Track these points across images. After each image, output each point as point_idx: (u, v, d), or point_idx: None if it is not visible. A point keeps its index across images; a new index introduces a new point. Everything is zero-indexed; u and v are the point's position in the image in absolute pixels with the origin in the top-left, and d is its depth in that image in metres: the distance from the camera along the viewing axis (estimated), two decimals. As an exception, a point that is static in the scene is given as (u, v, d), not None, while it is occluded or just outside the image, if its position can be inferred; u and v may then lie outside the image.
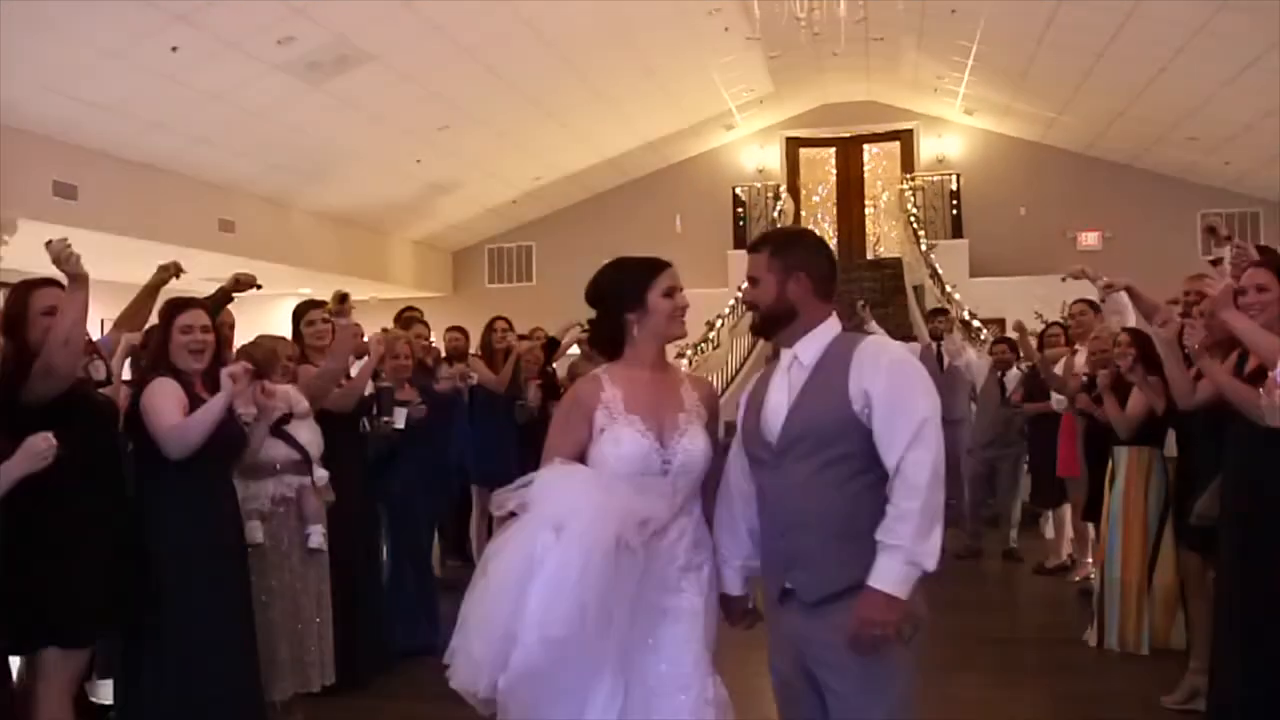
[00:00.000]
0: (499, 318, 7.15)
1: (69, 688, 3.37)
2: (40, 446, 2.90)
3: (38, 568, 3.16)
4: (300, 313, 4.99)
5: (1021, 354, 7.83)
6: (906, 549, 2.33)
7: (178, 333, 3.67)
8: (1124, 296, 5.61)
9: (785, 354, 2.62)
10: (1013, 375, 7.96)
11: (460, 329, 7.26)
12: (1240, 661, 3.75)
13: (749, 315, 11.36)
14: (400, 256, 15.29)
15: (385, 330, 5.56)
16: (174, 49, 8.29)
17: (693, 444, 2.64)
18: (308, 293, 13.47)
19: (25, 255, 6.33)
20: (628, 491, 2.56)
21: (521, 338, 7.24)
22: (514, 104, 11.71)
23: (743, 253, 11.09)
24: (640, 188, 15.87)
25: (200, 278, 8.80)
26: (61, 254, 3.19)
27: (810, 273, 2.56)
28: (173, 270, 4.56)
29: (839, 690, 2.45)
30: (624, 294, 2.71)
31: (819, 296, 2.57)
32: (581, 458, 2.66)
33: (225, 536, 3.73)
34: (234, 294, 4.78)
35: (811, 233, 3.17)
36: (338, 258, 13.28)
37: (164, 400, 3.55)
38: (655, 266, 2.74)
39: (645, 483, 2.59)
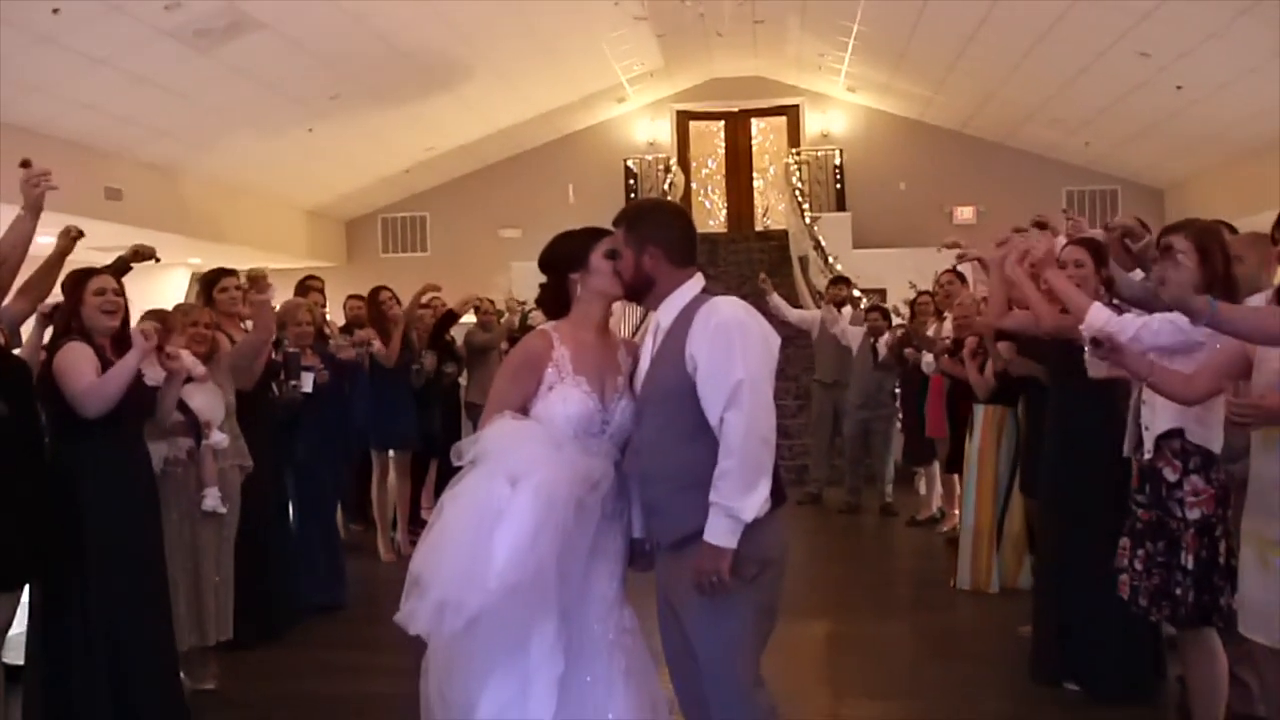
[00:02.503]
0: (382, 288, 7.28)
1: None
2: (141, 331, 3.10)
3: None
4: (213, 280, 5.08)
5: (895, 326, 8.35)
6: (725, 505, 2.55)
7: (91, 295, 3.81)
8: None
9: (652, 318, 2.84)
10: (885, 341, 8.47)
11: (361, 297, 7.38)
12: (1058, 595, 4.24)
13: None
14: (293, 226, 15.12)
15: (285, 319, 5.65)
16: (55, 10, 8.10)
17: (629, 406, 2.83)
18: (197, 262, 13.29)
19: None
20: (575, 449, 2.74)
21: (423, 306, 7.41)
22: (405, 74, 11.71)
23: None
24: (533, 159, 15.99)
25: (86, 246, 8.64)
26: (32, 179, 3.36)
27: (662, 245, 2.74)
28: (74, 235, 4.61)
29: (688, 622, 2.71)
30: (570, 257, 2.89)
31: (674, 264, 2.76)
32: (524, 410, 2.80)
33: (139, 493, 3.88)
34: (133, 264, 4.85)
35: (665, 204, 3.39)
36: (229, 227, 13.08)
37: (77, 362, 3.68)
38: (599, 232, 2.91)
39: (588, 443, 2.78)
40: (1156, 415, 3.27)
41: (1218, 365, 2.95)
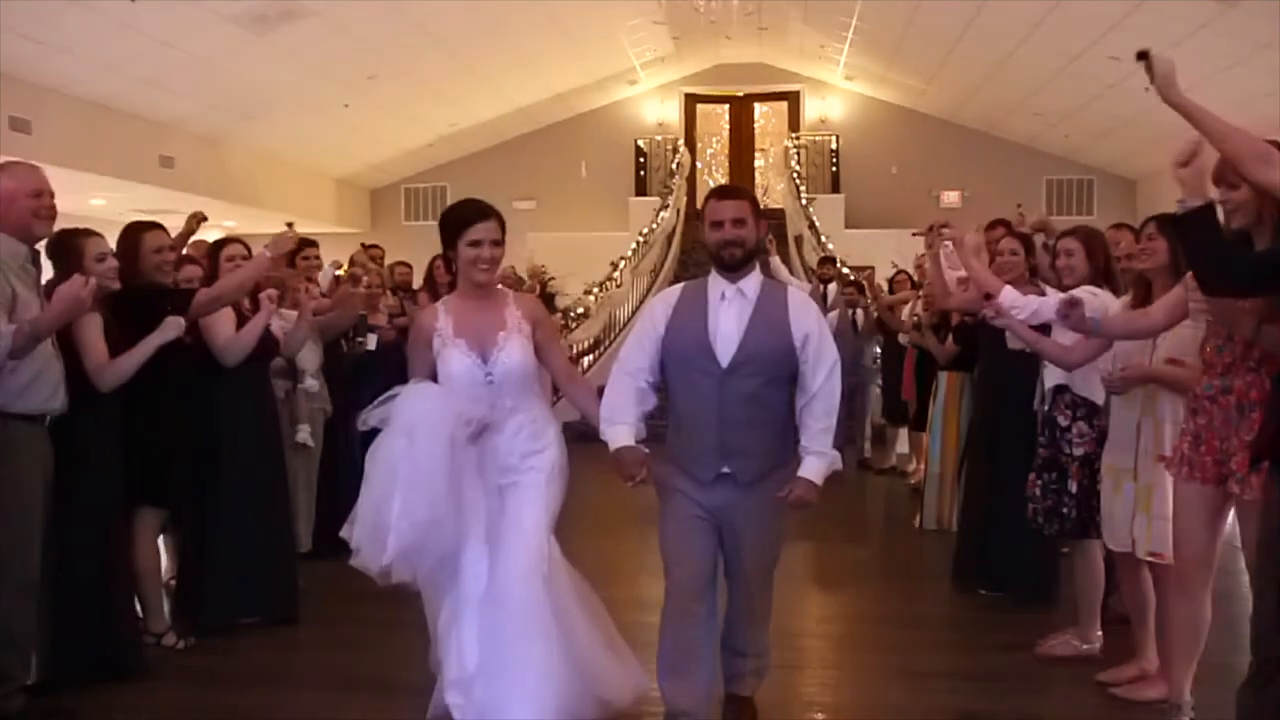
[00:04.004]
0: (400, 262, 8.19)
1: (154, 536, 4.52)
2: (175, 320, 3.98)
3: (148, 442, 4.19)
4: (294, 250, 6.00)
5: (872, 300, 9.39)
6: (831, 454, 3.20)
7: (224, 261, 4.81)
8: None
9: (720, 288, 3.23)
10: (860, 314, 9.51)
11: (406, 264, 8.33)
12: (979, 534, 5.25)
13: (648, 256, 13.31)
14: (322, 193, 15.94)
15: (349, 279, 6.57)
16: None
17: (509, 357, 3.27)
18: (232, 225, 14.20)
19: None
20: (461, 397, 3.22)
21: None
22: (437, 56, 12.56)
23: (643, 199, 12.97)
24: (548, 136, 16.71)
25: (138, 209, 9.59)
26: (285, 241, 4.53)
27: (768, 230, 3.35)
28: (200, 219, 5.58)
29: (752, 536, 3.26)
30: (445, 237, 3.31)
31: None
32: (435, 375, 3.31)
33: (265, 424, 4.86)
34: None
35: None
36: (264, 193, 13.95)
37: (220, 319, 4.64)
38: (468, 219, 3.24)
39: (474, 392, 3.25)
40: (1048, 374, 4.29)
41: (1092, 345, 3.95)
